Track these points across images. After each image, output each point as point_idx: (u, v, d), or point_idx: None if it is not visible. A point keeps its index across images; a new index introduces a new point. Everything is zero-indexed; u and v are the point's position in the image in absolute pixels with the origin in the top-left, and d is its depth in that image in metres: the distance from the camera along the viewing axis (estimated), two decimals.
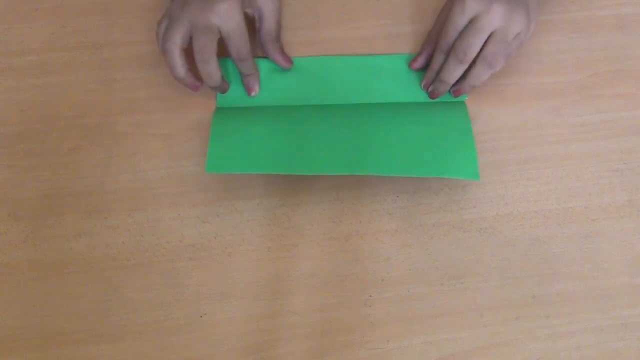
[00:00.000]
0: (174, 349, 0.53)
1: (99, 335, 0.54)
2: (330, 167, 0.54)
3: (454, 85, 0.59)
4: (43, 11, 0.64)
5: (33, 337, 0.54)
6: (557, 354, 0.53)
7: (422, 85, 0.60)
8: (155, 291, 0.55)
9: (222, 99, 0.60)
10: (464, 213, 0.57)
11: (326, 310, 0.54)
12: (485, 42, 0.55)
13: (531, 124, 0.60)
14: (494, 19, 0.54)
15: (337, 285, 0.55)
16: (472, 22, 0.55)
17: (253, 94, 0.60)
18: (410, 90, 0.60)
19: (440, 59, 0.58)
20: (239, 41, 0.55)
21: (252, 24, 0.59)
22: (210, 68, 0.55)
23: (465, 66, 0.56)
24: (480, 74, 0.56)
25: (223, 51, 0.56)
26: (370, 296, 0.55)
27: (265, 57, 0.60)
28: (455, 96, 0.59)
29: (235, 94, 0.60)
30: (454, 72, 0.57)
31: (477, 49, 0.55)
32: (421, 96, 0.60)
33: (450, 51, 0.57)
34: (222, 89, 0.58)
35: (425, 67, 0.60)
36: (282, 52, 0.60)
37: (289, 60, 0.60)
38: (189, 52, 0.55)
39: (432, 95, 0.59)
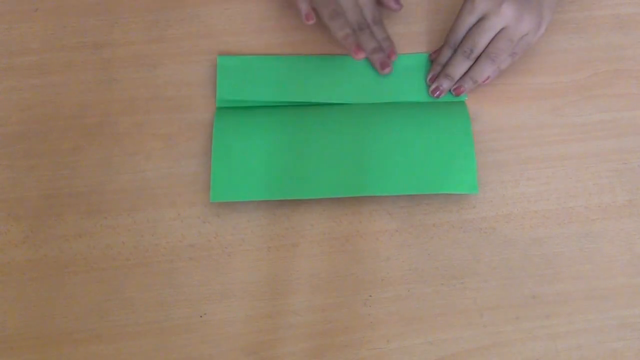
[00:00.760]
0: (174, 349, 0.53)
1: (99, 335, 0.54)
2: (331, 190, 0.56)
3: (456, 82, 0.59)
4: (43, 11, 0.64)
5: (33, 337, 0.54)
6: (557, 354, 0.53)
7: (428, 79, 0.60)
8: (155, 291, 0.55)
9: (222, 97, 0.60)
10: (464, 213, 0.57)
11: (326, 310, 0.54)
12: (492, 39, 0.57)
13: (531, 124, 0.60)
14: (503, 18, 0.56)
15: (337, 285, 0.55)
16: (480, 20, 0.57)
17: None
18: (414, 90, 0.60)
19: (447, 54, 0.60)
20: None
21: None
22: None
23: (471, 62, 0.58)
24: (483, 67, 0.58)
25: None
26: (370, 296, 0.55)
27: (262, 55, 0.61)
28: (457, 94, 0.59)
29: (234, 91, 0.60)
30: (459, 67, 0.58)
31: (484, 46, 0.57)
32: (424, 96, 0.60)
33: (458, 47, 0.58)
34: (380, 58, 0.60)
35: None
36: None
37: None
38: None
39: (435, 92, 0.59)
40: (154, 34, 0.63)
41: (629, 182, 0.58)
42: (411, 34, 0.63)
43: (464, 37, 0.58)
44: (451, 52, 0.59)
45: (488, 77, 0.58)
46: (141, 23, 0.63)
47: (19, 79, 0.61)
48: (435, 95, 0.60)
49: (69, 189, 0.58)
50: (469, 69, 0.59)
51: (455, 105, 0.59)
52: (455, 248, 0.56)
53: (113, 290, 0.55)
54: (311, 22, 0.58)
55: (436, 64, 0.60)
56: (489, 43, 0.57)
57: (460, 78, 0.59)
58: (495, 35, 0.57)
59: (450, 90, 0.60)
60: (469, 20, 0.57)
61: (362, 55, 0.57)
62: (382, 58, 0.60)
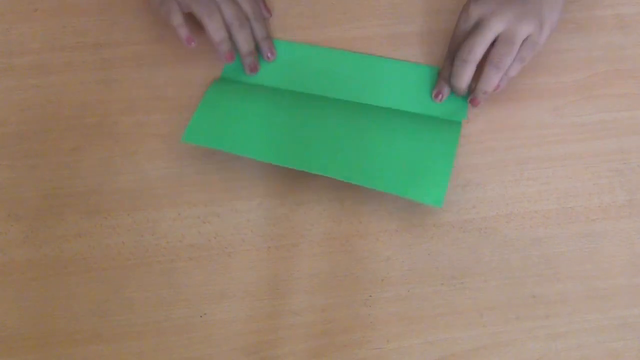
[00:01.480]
0: (174, 349, 0.53)
1: (99, 335, 0.54)
2: (309, 164, 0.55)
3: (469, 94, 0.59)
4: (43, 11, 0.64)
5: (33, 337, 0.54)
6: (557, 354, 0.53)
7: (433, 95, 0.60)
8: (155, 291, 0.55)
9: (228, 71, 0.61)
10: (464, 213, 0.57)
11: (326, 310, 0.54)
12: (493, 45, 0.56)
13: (531, 124, 0.60)
14: (498, 20, 0.55)
15: (337, 285, 0.55)
16: (476, 24, 0.56)
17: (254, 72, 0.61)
18: (412, 100, 0.60)
19: (448, 66, 0.59)
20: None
21: None
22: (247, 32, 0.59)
23: (471, 66, 0.56)
24: (489, 76, 0.56)
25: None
26: (370, 296, 0.55)
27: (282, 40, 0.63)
28: (474, 105, 0.58)
29: (240, 70, 0.61)
30: (462, 74, 0.57)
31: (481, 49, 0.55)
32: (421, 108, 0.60)
33: (455, 56, 0.57)
34: (253, 61, 0.61)
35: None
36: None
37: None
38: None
39: (437, 96, 0.59)
40: (154, 34, 0.63)
41: (629, 182, 0.58)
42: (411, 34, 0.63)
43: (462, 45, 0.57)
44: (451, 63, 0.58)
45: (498, 86, 0.57)
46: (141, 23, 0.63)
47: (19, 79, 0.61)
48: (437, 99, 0.59)
49: (69, 189, 0.58)
50: (479, 80, 0.57)
51: (450, 124, 0.59)
52: (455, 248, 0.56)
53: (113, 290, 0.55)
54: (193, 45, 0.59)
55: (441, 78, 0.60)
56: (491, 50, 0.56)
57: (474, 90, 0.58)
58: (495, 42, 0.55)
59: (468, 101, 0.59)
60: (464, 27, 0.57)
61: (233, 60, 0.59)
62: (253, 63, 0.61)
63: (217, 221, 0.57)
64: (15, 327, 0.54)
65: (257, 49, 0.61)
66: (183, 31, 0.58)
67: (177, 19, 0.58)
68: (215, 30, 0.58)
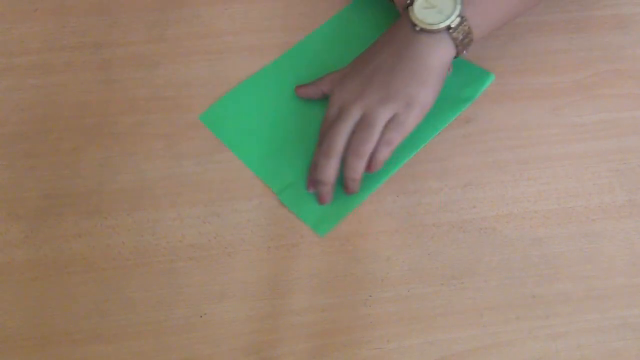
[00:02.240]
0: (174, 349, 0.53)
1: (99, 335, 0.54)
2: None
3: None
4: (43, 11, 0.64)
5: (33, 337, 0.54)
6: (557, 354, 0.53)
7: (306, 186, 0.57)
8: (155, 291, 0.55)
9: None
10: (464, 213, 0.57)
11: (326, 310, 0.54)
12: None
13: (531, 124, 0.60)
14: (357, 107, 0.53)
15: (337, 285, 0.55)
16: (339, 111, 0.55)
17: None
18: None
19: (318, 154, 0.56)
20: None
21: None
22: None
23: (334, 160, 0.54)
24: (351, 166, 0.54)
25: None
26: (370, 296, 0.55)
27: None
28: (347, 193, 0.56)
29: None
30: (325, 170, 0.54)
31: (342, 140, 0.54)
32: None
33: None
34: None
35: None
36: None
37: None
38: None
39: (319, 200, 0.57)
40: (154, 34, 0.63)
41: (629, 182, 0.58)
42: None
43: (323, 137, 0.54)
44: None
45: (371, 168, 0.54)
46: (141, 23, 0.63)
47: (19, 79, 0.61)
48: (310, 190, 0.57)
49: (69, 189, 0.58)
50: (344, 168, 0.54)
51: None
52: (455, 248, 0.56)
53: (113, 290, 0.55)
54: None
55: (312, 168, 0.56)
56: (352, 137, 0.53)
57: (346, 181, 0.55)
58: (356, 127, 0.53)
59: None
60: (332, 113, 0.55)
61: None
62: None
63: (217, 221, 0.57)
64: (15, 327, 0.54)
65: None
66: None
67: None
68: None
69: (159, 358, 0.53)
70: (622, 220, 0.57)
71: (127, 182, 0.58)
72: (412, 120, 0.53)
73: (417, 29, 0.52)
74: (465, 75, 0.59)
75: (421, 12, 0.52)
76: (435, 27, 0.51)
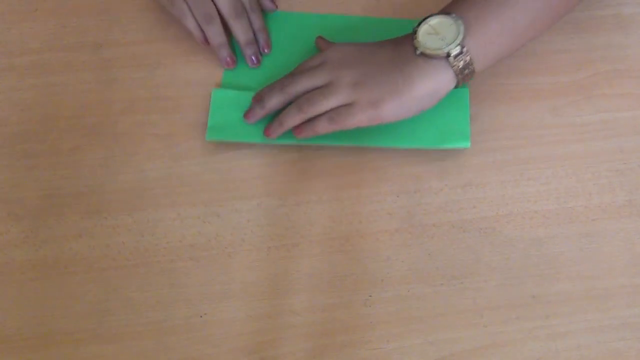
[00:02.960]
0: (174, 349, 0.53)
1: (99, 335, 0.54)
2: (332, 138, 0.56)
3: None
4: (43, 11, 0.64)
5: (33, 337, 0.54)
6: (557, 354, 0.53)
7: (244, 116, 0.58)
8: (155, 291, 0.55)
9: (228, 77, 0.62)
10: (464, 213, 0.57)
11: (326, 310, 0.54)
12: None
13: (531, 124, 0.60)
14: (345, 86, 0.54)
15: (337, 285, 0.55)
16: (328, 83, 0.55)
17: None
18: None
19: (277, 93, 0.58)
20: None
21: None
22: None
23: (306, 117, 0.55)
24: (290, 114, 0.55)
25: None
26: (370, 296, 0.55)
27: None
28: (267, 136, 0.57)
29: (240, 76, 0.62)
30: (290, 120, 0.56)
31: (322, 109, 0.54)
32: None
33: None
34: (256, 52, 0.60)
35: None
36: None
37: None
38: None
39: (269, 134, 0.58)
40: (154, 34, 0.63)
41: (628, 182, 0.58)
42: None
43: (307, 94, 0.55)
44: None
45: (300, 131, 0.55)
46: (141, 23, 0.63)
47: (19, 79, 0.61)
48: (249, 121, 0.58)
49: (69, 189, 0.58)
50: (283, 112, 0.56)
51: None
52: (455, 248, 0.56)
53: (113, 290, 0.55)
54: (208, 45, 0.60)
55: (258, 99, 0.58)
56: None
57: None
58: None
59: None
60: (312, 64, 0.56)
61: (234, 66, 0.60)
62: (255, 51, 0.60)
63: (217, 221, 0.57)
64: (15, 327, 0.54)
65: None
66: (198, 35, 0.59)
67: (191, 22, 0.59)
68: (214, 35, 0.59)
69: (159, 358, 0.53)
70: (622, 220, 0.57)
71: (127, 182, 0.58)
72: (359, 119, 0.53)
73: (418, 52, 0.53)
74: (452, 124, 0.58)
75: (424, 37, 0.53)
76: (434, 53, 0.52)
